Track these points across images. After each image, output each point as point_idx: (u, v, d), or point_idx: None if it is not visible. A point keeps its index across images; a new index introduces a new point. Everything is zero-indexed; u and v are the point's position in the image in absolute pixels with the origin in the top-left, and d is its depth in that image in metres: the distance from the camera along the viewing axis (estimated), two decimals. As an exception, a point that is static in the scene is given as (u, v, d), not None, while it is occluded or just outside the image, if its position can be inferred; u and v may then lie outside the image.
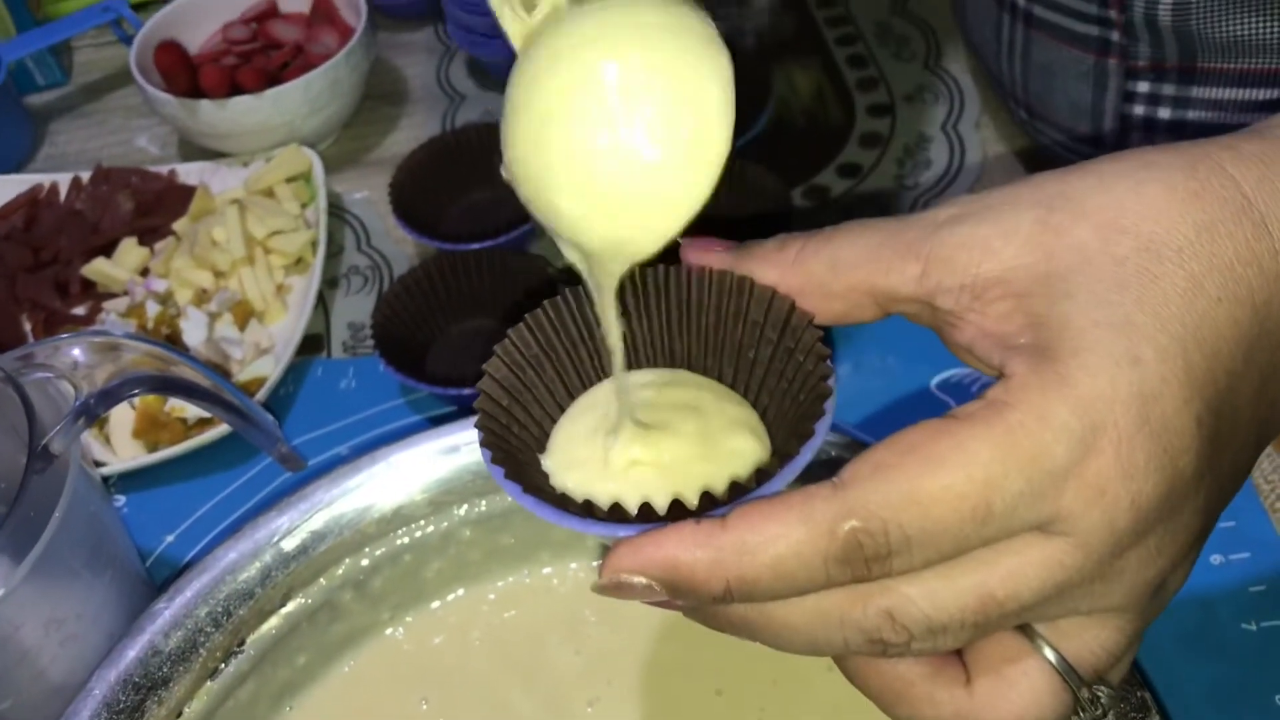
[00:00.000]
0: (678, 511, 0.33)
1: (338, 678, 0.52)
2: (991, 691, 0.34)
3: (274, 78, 0.79)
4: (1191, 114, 0.58)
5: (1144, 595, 0.33)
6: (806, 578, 0.31)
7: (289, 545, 0.50)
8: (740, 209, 0.68)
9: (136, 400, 0.65)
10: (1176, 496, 0.31)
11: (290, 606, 0.50)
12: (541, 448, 0.38)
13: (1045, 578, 0.31)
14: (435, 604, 0.53)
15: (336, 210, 0.78)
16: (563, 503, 0.35)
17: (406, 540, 0.51)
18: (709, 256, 0.38)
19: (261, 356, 0.68)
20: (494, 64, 0.84)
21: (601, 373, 0.40)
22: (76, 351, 0.52)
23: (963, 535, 0.30)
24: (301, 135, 0.78)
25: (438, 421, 0.62)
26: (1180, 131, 0.58)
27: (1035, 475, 0.30)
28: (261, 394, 0.64)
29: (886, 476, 0.30)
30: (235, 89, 0.79)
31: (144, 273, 0.73)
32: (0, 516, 0.46)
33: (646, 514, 0.33)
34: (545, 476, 0.37)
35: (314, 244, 0.72)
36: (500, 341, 0.38)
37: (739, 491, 0.33)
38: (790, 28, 0.86)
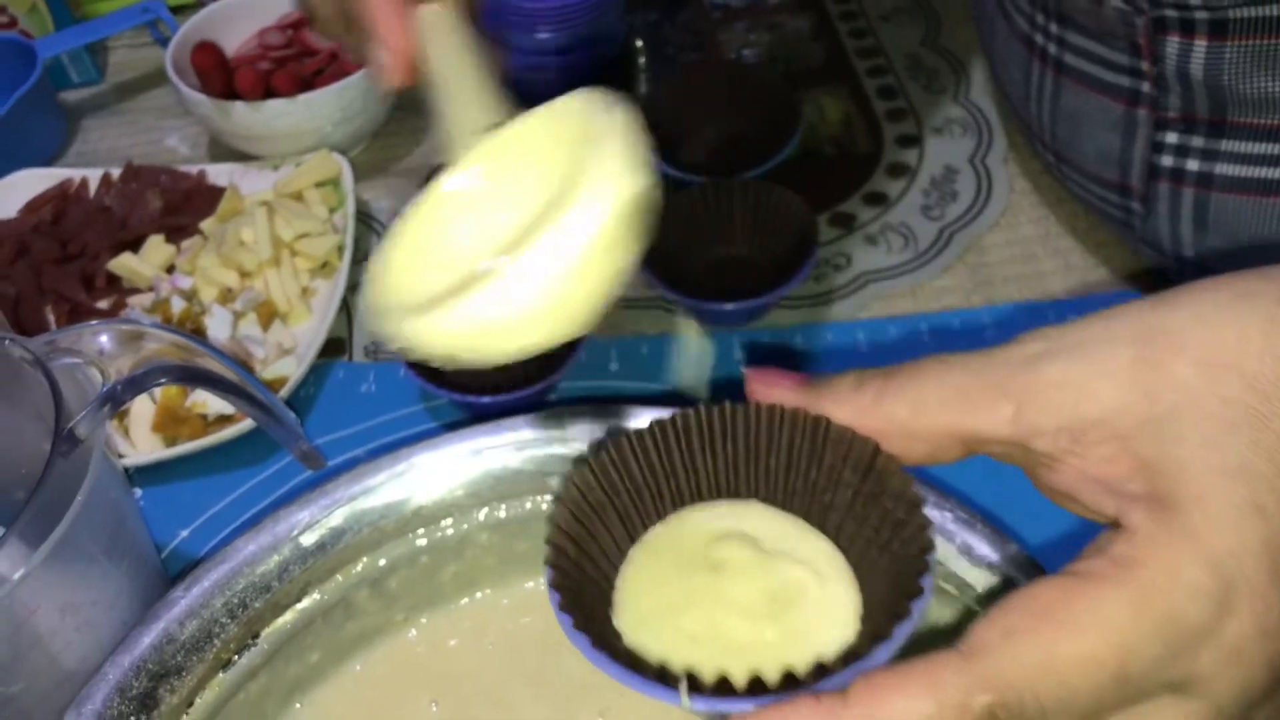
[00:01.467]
0: (787, 683, 0.31)
1: (349, 676, 0.52)
2: None
3: (308, 83, 0.80)
4: (1219, 167, 0.58)
5: None
6: None
7: (308, 540, 0.50)
8: (767, 232, 0.68)
9: (158, 394, 0.65)
10: None
11: (306, 602, 0.50)
12: (610, 600, 0.36)
13: None
14: (450, 607, 0.53)
15: (364, 217, 0.78)
16: (646, 667, 0.33)
17: (425, 542, 0.51)
18: (777, 392, 0.37)
19: (284, 357, 0.68)
20: (524, 79, 0.85)
21: (667, 513, 0.38)
22: (104, 338, 0.52)
23: (1099, 700, 0.29)
24: (332, 141, 0.79)
25: (456, 429, 0.62)
26: (1208, 184, 0.58)
27: (1172, 638, 0.29)
28: (283, 393, 0.64)
29: (1019, 642, 0.29)
30: (269, 93, 0.79)
31: (170, 270, 0.73)
32: (22, 499, 0.46)
33: (751, 686, 0.32)
34: (617, 635, 0.35)
35: (340, 249, 0.72)
36: (564, 489, 0.37)
37: (850, 658, 0.32)
38: (821, 56, 0.86)
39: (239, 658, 0.48)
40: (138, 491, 0.64)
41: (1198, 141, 0.58)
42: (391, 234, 0.34)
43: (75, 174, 0.79)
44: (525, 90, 0.85)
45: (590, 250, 0.30)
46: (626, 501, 0.37)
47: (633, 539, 0.37)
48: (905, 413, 0.34)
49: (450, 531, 0.51)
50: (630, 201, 0.31)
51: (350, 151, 0.81)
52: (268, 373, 0.67)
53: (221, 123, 0.78)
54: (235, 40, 0.85)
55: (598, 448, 0.37)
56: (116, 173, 0.79)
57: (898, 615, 0.32)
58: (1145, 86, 0.58)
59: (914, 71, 0.84)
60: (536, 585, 0.54)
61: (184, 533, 0.62)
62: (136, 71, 0.93)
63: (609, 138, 0.30)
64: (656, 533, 0.37)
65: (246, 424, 0.63)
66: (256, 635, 0.49)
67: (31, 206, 0.78)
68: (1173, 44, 0.55)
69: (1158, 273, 0.67)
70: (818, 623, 0.34)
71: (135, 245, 0.74)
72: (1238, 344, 0.31)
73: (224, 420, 0.65)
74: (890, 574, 0.34)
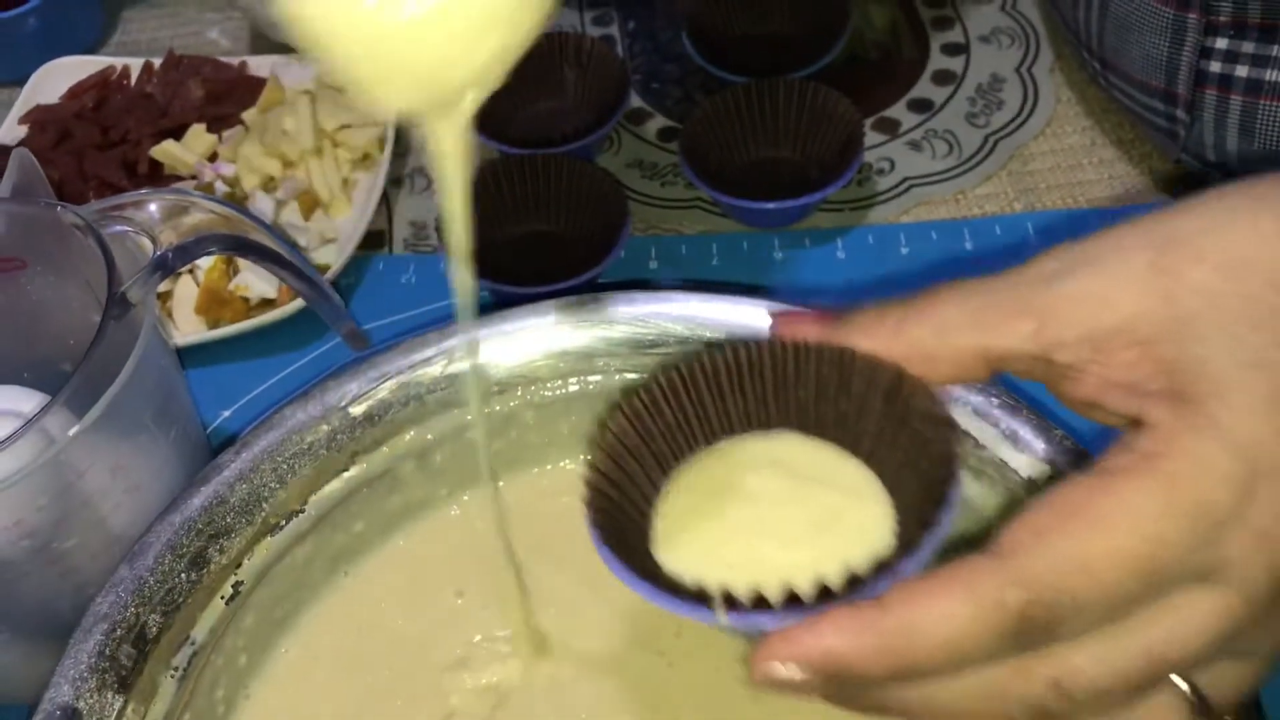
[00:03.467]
0: (822, 595, 0.32)
1: (393, 550, 0.52)
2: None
3: (350, -25, 0.79)
4: (1270, 74, 0.57)
5: None
6: (975, 656, 0.30)
7: (356, 411, 0.50)
8: (811, 134, 0.68)
9: (201, 276, 0.66)
10: None
11: (353, 471, 0.50)
12: (648, 536, 0.37)
13: (1211, 632, 0.31)
14: (494, 485, 0.54)
15: (404, 112, 0.78)
16: (683, 590, 0.33)
17: (470, 416, 0.52)
18: (802, 329, 0.37)
19: (325, 245, 0.68)
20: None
21: (700, 450, 0.39)
22: (153, 208, 0.53)
23: (1132, 595, 0.30)
24: (374, 35, 0.78)
25: (499, 317, 0.62)
26: (1257, 90, 0.58)
27: (1200, 525, 0.29)
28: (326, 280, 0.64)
29: (1051, 541, 0.30)
30: (312, -17, 0.79)
31: (212, 158, 0.73)
32: (71, 370, 0.47)
33: (786, 601, 0.32)
34: (657, 567, 0.35)
35: (382, 141, 0.72)
36: (599, 435, 0.37)
37: (883, 569, 0.32)
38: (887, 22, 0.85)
39: (286, 523, 0.49)
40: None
41: (1248, 47, 0.57)
42: None
43: (118, 62, 0.79)
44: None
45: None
46: (661, 444, 0.38)
47: (668, 477, 0.38)
48: (928, 336, 0.34)
49: (497, 408, 0.52)
50: None
51: (391, 47, 0.80)
52: (311, 260, 0.67)
53: (263, 10, 0.77)
54: (277, -68, 0.84)
55: (629, 393, 0.38)
56: (158, 62, 0.79)
57: (927, 525, 0.32)
58: None
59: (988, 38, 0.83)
60: (579, 466, 0.54)
61: (226, 413, 0.63)
62: (176, -36, 0.92)
63: None
64: (691, 468, 0.38)
65: (289, 308, 0.63)
66: (304, 502, 0.49)
67: (73, 92, 0.78)
68: None
69: (1200, 183, 0.67)
70: (853, 542, 0.34)
71: (177, 134, 0.74)
72: (1255, 243, 0.31)
73: (266, 304, 0.65)
74: (920, 490, 0.34)
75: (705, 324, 0.51)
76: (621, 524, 0.36)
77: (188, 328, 0.65)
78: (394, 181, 0.74)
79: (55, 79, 0.78)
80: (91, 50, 0.85)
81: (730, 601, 0.32)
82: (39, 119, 0.76)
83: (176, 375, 0.56)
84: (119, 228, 0.52)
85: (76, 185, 0.73)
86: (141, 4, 0.89)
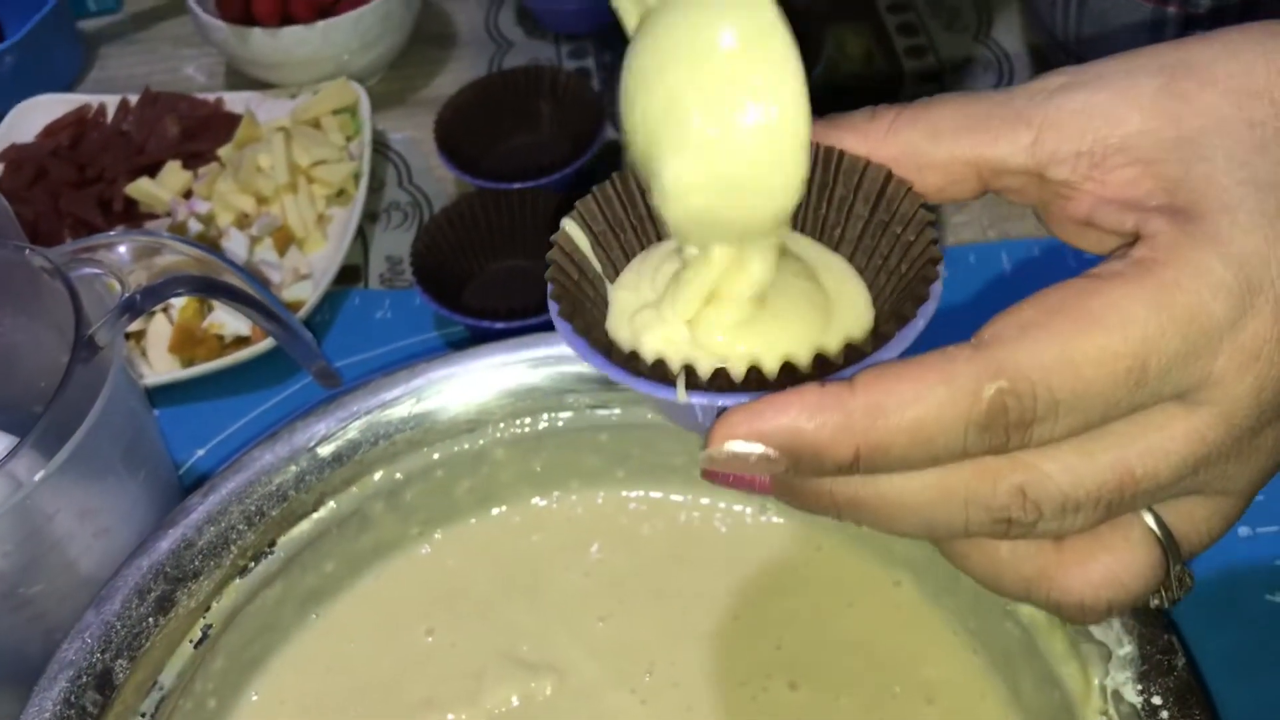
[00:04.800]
0: (787, 377, 0.30)
1: (364, 590, 0.52)
2: (1083, 550, 0.32)
3: (326, 11, 0.80)
4: None
5: (1262, 483, 0.32)
6: (944, 445, 0.28)
7: (325, 451, 0.50)
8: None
9: (175, 314, 0.66)
10: None
11: (322, 512, 0.50)
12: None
13: (1186, 454, 0.30)
14: (464, 522, 0.53)
15: (380, 146, 0.78)
16: (646, 366, 0.31)
17: (439, 456, 0.51)
18: None
19: (300, 281, 0.68)
20: (543, 11, 0.84)
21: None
22: (123, 250, 0.52)
23: (1113, 401, 0.29)
24: (350, 70, 0.79)
25: (473, 352, 0.62)
26: None
27: (1192, 334, 0.28)
28: (299, 317, 0.64)
29: (1036, 336, 0.28)
30: (287, 20, 0.79)
31: (187, 195, 0.73)
32: (41, 412, 0.47)
33: (752, 380, 0.30)
34: (617, 347, 0.33)
35: (356, 176, 0.72)
36: (566, 223, 0.35)
37: (854, 356, 0.30)
38: (861, 54, 0.86)
39: (255, 565, 0.49)
40: (155, 412, 0.64)
41: None
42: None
43: (94, 99, 0.79)
44: (544, 21, 0.85)
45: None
46: (630, 236, 0.36)
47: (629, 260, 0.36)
48: (921, 139, 0.33)
49: (466, 446, 0.52)
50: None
51: (368, 81, 0.81)
52: (284, 297, 0.67)
53: (239, 50, 0.77)
54: (254, -32, 0.85)
55: (603, 182, 0.36)
56: (134, 99, 0.79)
57: (903, 320, 0.31)
58: None
59: (935, 9, 0.83)
60: (549, 502, 0.54)
61: (200, 452, 0.63)
62: (154, 1, 0.92)
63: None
64: (653, 250, 0.36)
65: (262, 345, 0.63)
66: (273, 543, 0.49)
67: (50, 130, 0.78)
68: None
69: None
70: (826, 330, 0.33)
71: (153, 170, 0.74)
72: (1266, 75, 0.31)
73: (240, 342, 0.65)
74: (900, 291, 0.33)
75: (675, 360, 0.51)
76: (584, 308, 0.34)
77: (161, 366, 0.65)
78: (370, 216, 0.74)
79: (31, 117, 0.79)
80: (69, 87, 0.85)
81: (691, 380, 0.30)
82: (14, 158, 0.76)
83: (146, 416, 0.56)
84: (88, 270, 0.52)
85: (52, 223, 0.73)
86: (119, 40, 0.89)
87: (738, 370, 0.30)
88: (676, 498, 0.54)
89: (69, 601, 0.49)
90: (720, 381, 0.30)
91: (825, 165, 0.34)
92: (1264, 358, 0.29)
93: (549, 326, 0.59)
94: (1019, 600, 0.34)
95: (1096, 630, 0.42)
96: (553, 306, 0.33)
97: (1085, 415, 0.29)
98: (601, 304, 0.35)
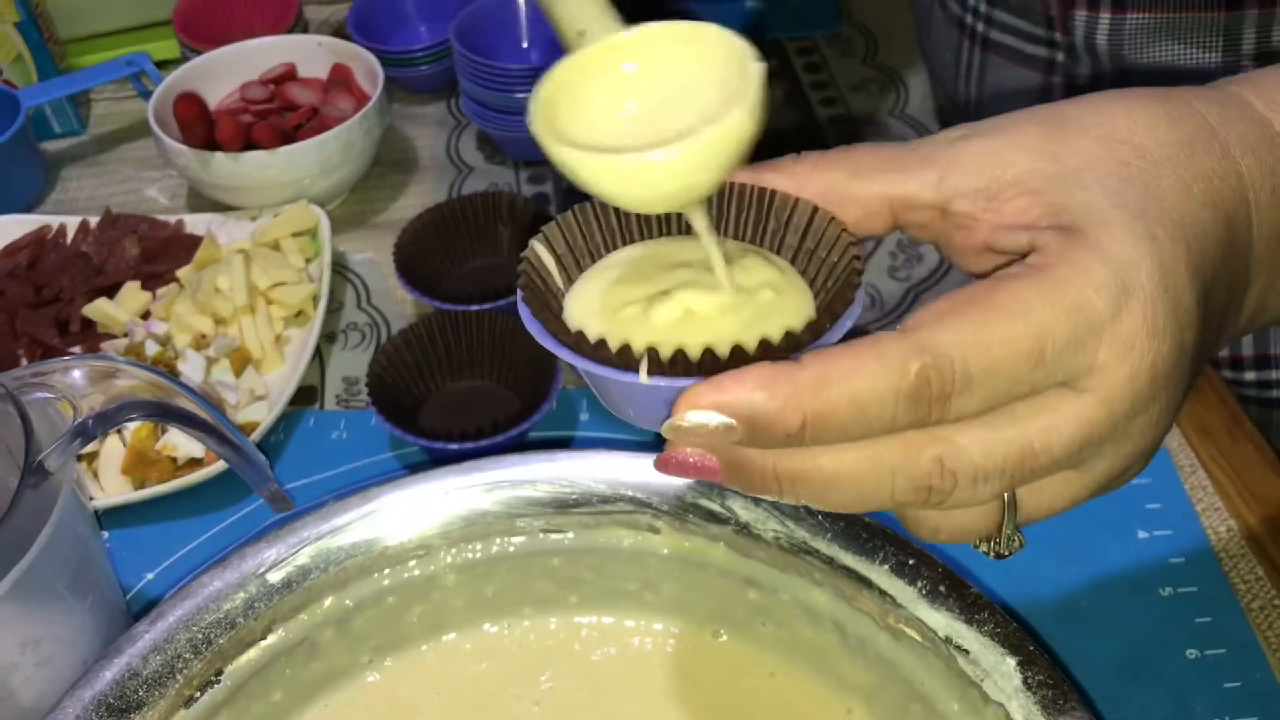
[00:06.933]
0: (735, 360, 0.34)
1: (311, 719, 0.51)
2: None
3: (289, 137, 0.81)
4: None
5: (1124, 468, 0.37)
6: (878, 414, 0.33)
7: (274, 578, 0.50)
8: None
9: (128, 436, 0.65)
10: (1179, 369, 0.35)
11: (271, 639, 0.49)
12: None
13: (1074, 433, 0.34)
14: (415, 650, 0.53)
15: (340, 268, 0.79)
16: (605, 353, 0.35)
17: (390, 582, 0.51)
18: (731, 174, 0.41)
19: (255, 402, 0.69)
20: (503, 139, 0.86)
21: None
22: (77, 374, 0.52)
23: (1017, 378, 0.33)
24: (311, 195, 0.80)
25: (427, 474, 0.62)
26: None
27: (1080, 323, 0.33)
28: (254, 438, 0.64)
29: (952, 322, 0.33)
30: (250, 145, 0.80)
31: (145, 316, 0.74)
32: (-13, 532, 0.46)
33: (705, 363, 0.34)
34: (580, 335, 0.37)
35: (315, 298, 0.73)
36: (536, 239, 0.40)
37: (795, 343, 0.34)
38: (793, 122, 0.88)
39: (201, 694, 0.48)
40: (105, 534, 0.64)
41: None
42: (553, 71, 0.38)
43: (54, 220, 0.80)
44: (504, 147, 0.87)
45: (719, 157, 0.36)
46: (587, 260, 0.41)
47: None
48: (842, 177, 0.38)
49: (417, 572, 0.51)
50: (751, 135, 0.36)
51: (328, 204, 0.82)
52: (239, 418, 0.67)
53: (201, 173, 0.79)
54: (218, 94, 0.86)
55: (569, 209, 0.41)
56: (95, 220, 0.80)
57: (834, 315, 0.35)
58: (1060, 56, 0.67)
59: (882, 139, 0.86)
60: (500, 629, 0.54)
61: (150, 575, 0.62)
62: (118, 124, 0.94)
63: (752, 83, 0.36)
64: (617, 256, 0.41)
65: (215, 467, 0.63)
66: (220, 672, 0.48)
67: (8, 251, 0.78)
68: (1080, 17, 0.64)
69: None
70: (771, 323, 0.36)
71: (111, 292, 0.74)
72: (1128, 125, 0.37)
73: (193, 464, 0.65)
74: (831, 297, 0.37)
75: (627, 484, 0.52)
76: (547, 307, 0.38)
77: (113, 488, 0.65)
78: (327, 337, 0.75)
79: (-9, 237, 0.79)
80: (30, 208, 0.85)
81: (654, 364, 0.34)
82: (-28, 278, 0.76)
83: (95, 540, 0.55)
84: (41, 394, 0.52)
85: (7, 343, 0.73)
86: (81, 161, 0.90)
87: (694, 353, 0.34)
88: (630, 623, 0.54)
89: (8, 733, 0.48)
90: (677, 368, 0.34)
91: (758, 205, 0.39)
92: (1137, 348, 0.34)
93: (503, 448, 0.60)
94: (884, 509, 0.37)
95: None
96: (520, 295, 0.38)
97: (994, 391, 0.33)
98: (559, 310, 0.40)
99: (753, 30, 0.89)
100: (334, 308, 0.77)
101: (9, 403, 0.50)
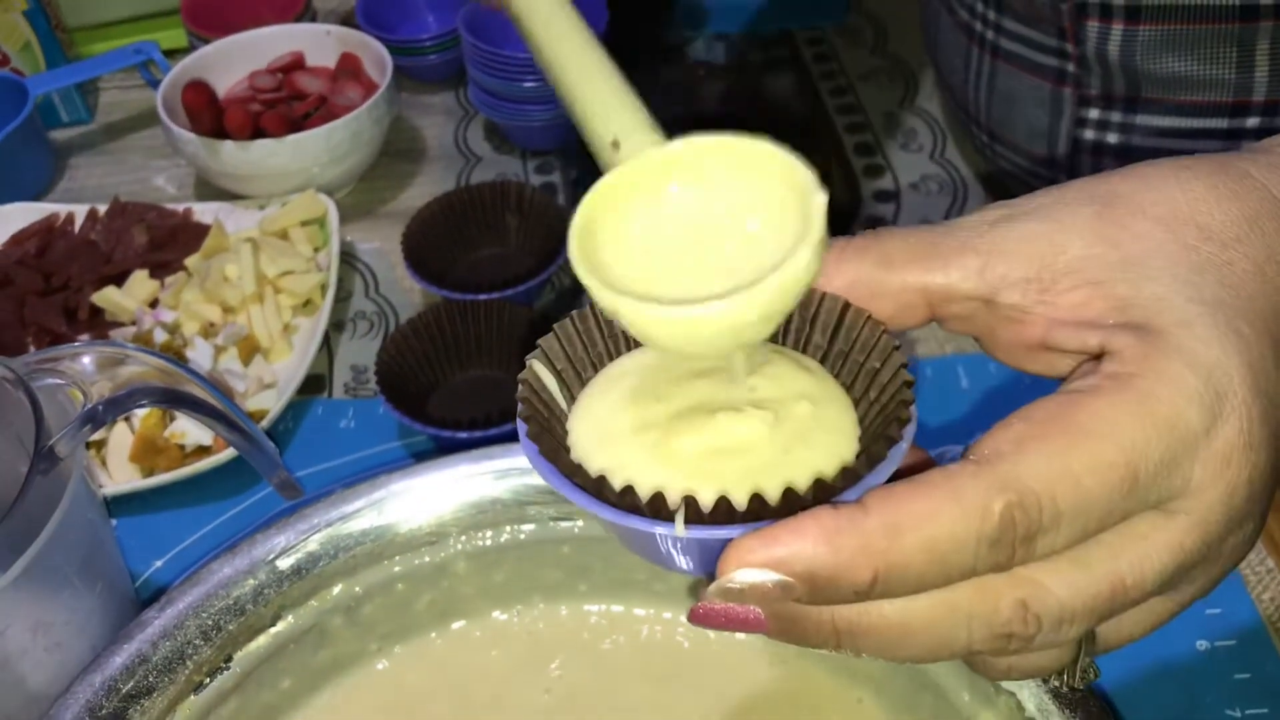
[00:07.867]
0: (787, 505, 0.29)
1: (319, 706, 0.51)
2: None
3: (297, 125, 0.81)
4: (1136, 139, 0.65)
5: (1211, 589, 0.33)
6: (956, 562, 0.29)
7: (284, 564, 0.50)
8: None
9: (136, 424, 0.65)
10: (1274, 477, 0.31)
11: (280, 626, 0.49)
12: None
13: (1169, 561, 0.30)
14: (424, 637, 0.53)
15: (348, 257, 0.79)
16: (634, 502, 0.30)
17: (399, 569, 0.51)
18: None
19: (264, 391, 0.69)
20: (511, 128, 0.86)
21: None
22: (86, 360, 0.53)
23: (1109, 509, 0.29)
24: (319, 183, 0.80)
25: (436, 463, 0.62)
26: (1127, 155, 0.65)
27: (1173, 442, 0.29)
28: (262, 426, 0.64)
29: (1032, 449, 0.29)
30: (258, 133, 0.80)
31: (153, 304, 0.74)
32: (-2, 517, 0.46)
33: (732, 511, 0.29)
34: (598, 479, 0.32)
35: (323, 287, 0.73)
36: (533, 357, 0.36)
37: (851, 479, 0.30)
38: (802, 112, 0.88)
39: (211, 681, 0.48)
40: (114, 521, 0.64)
41: (1116, 116, 0.65)
42: (589, 197, 0.33)
43: (62, 209, 0.80)
44: (511, 137, 0.87)
45: (782, 304, 0.31)
46: (590, 373, 0.36)
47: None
48: (871, 268, 0.33)
49: (427, 559, 0.51)
50: (815, 277, 0.31)
51: (337, 193, 0.82)
52: (248, 406, 0.67)
53: (210, 162, 0.78)
54: (227, 82, 0.86)
55: (563, 320, 0.36)
56: (103, 209, 0.80)
57: (890, 440, 0.31)
58: (1070, 67, 0.65)
59: (891, 130, 0.86)
60: (510, 617, 0.54)
61: (158, 563, 0.62)
62: (126, 112, 0.94)
63: (816, 217, 0.30)
64: (629, 372, 0.36)
65: (223, 455, 0.63)
66: (230, 659, 0.48)
67: (17, 239, 0.78)
68: (1092, 28, 0.63)
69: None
70: (818, 452, 0.32)
71: (119, 280, 0.74)
72: (1188, 203, 0.33)
73: (201, 451, 0.65)
74: (878, 416, 0.33)
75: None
76: (552, 430, 0.34)
77: (121, 476, 0.65)
78: (335, 326, 0.75)
79: (0, 225, 0.79)
80: (38, 197, 0.85)
81: (689, 513, 0.29)
82: (-20, 266, 0.76)
83: (104, 528, 0.55)
84: (51, 380, 0.52)
85: (16, 332, 0.73)
86: (90, 150, 0.90)
87: (737, 497, 0.30)
88: (639, 612, 0.54)
89: (19, 718, 0.48)
90: (719, 514, 0.29)
91: None
92: (1234, 464, 0.30)
93: (512, 436, 0.60)
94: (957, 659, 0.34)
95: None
96: (523, 429, 0.33)
97: (1084, 525, 0.29)
98: (565, 435, 0.35)
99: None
100: (342, 296, 0.76)
101: (19, 388, 0.50)
